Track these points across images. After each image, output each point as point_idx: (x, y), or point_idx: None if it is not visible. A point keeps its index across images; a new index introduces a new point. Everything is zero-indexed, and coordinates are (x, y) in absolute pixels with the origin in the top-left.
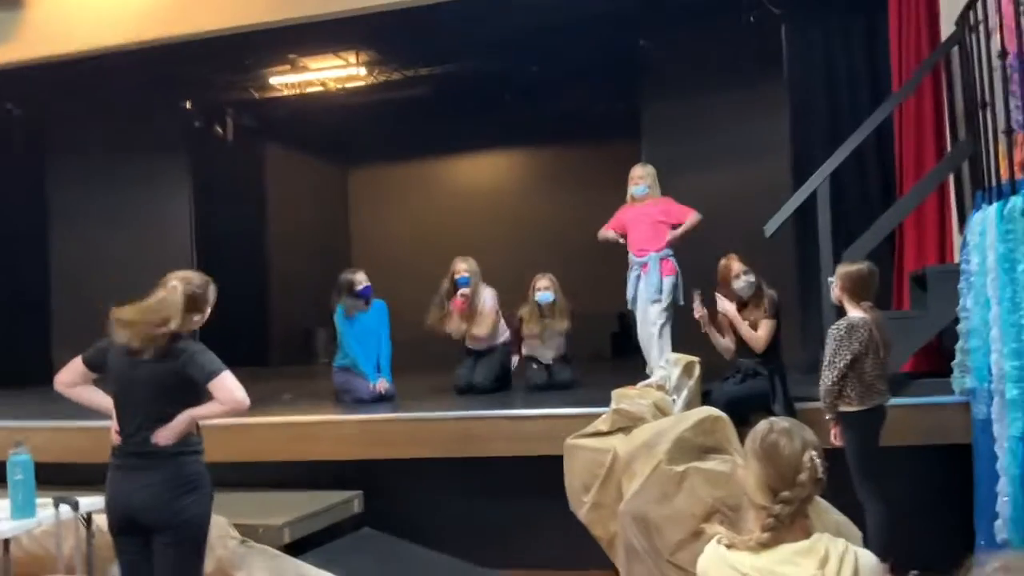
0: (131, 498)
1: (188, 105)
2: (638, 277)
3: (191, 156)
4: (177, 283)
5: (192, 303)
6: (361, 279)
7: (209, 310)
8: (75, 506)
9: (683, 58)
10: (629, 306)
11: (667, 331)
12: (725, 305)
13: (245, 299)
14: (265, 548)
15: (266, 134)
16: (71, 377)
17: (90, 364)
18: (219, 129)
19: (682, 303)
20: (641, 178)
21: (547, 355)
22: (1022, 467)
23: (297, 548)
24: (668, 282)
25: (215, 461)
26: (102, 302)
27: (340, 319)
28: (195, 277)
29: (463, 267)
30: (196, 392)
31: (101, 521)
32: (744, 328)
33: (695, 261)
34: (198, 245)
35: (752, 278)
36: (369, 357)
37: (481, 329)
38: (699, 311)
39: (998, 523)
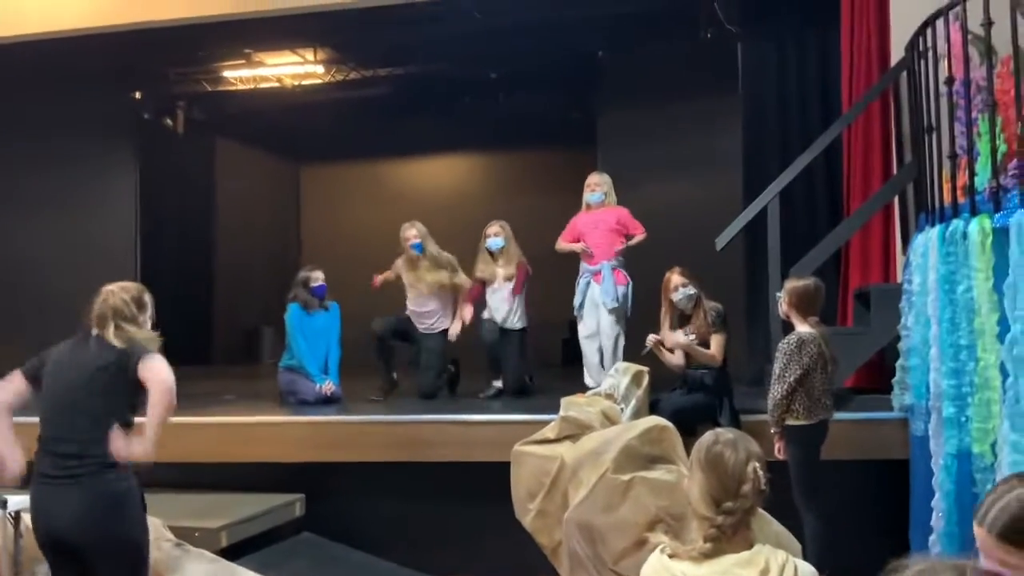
0: (55, 518)
1: (138, 95)
2: (588, 284)
3: (139, 147)
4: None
5: (119, 314)
6: (318, 276)
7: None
8: (3, 504)
9: (640, 70)
10: (575, 312)
11: (621, 341)
12: (679, 340)
13: (189, 296)
14: (202, 552)
15: (217, 128)
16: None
17: (28, 375)
18: (169, 121)
19: (628, 315)
20: (598, 185)
21: (501, 309)
22: (956, 483)
23: (235, 552)
24: (621, 291)
25: (153, 461)
26: (36, 289)
27: (291, 317)
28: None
29: (412, 232)
30: (129, 389)
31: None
32: (701, 352)
33: (644, 272)
34: (142, 238)
35: (691, 291)
36: (317, 358)
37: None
38: (651, 341)
39: (932, 537)
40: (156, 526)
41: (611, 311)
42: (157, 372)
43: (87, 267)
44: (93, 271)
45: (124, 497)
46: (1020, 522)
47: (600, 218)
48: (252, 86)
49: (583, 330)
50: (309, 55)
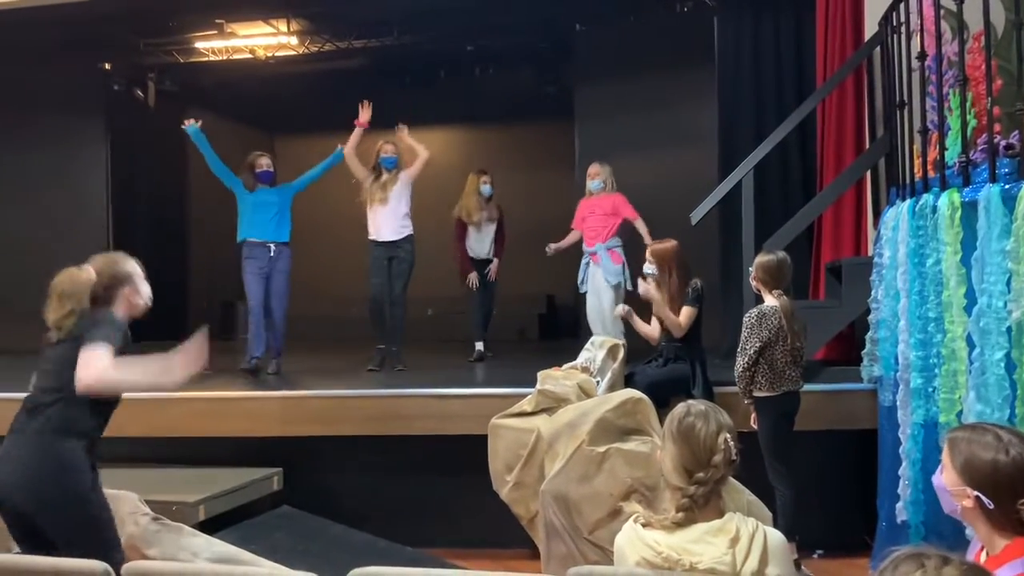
0: None
1: (107, 67)
2: (587, 265)
3: (109, 120)
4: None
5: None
6: (263, 162)
7: (125, 289)
8: None
9: (617, 44)
10: (580, 289)
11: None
12: (652, 292)
13: (164, 270)
14: (180, 525)
15: (190, 100)
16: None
17: None
18: (140, 93)
19: (631, 289)
20: (597, 174)
21: (484, 246)
22: (923, 452)
23: (213, 526)
24: (618, 269)
25: (130, 435)
26: (6, 263)
27: (240, 189)
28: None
29: (390, 148)
30: None
31: None
32: (666, 312)
33: (623, 246)
34: (114, 212)
35: (650, 269)
36: (264, 233)
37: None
38: (622, 310)
39: (899, 505)
40: (132, 500)
41: (613, 287)
42: (86, 365)
43: (59, 240)
44: (65, 245)
45: (69, 459)
46: None
47: (598, 204)
48: (224, 57)
49: (588, 309)
50: (283, 26)
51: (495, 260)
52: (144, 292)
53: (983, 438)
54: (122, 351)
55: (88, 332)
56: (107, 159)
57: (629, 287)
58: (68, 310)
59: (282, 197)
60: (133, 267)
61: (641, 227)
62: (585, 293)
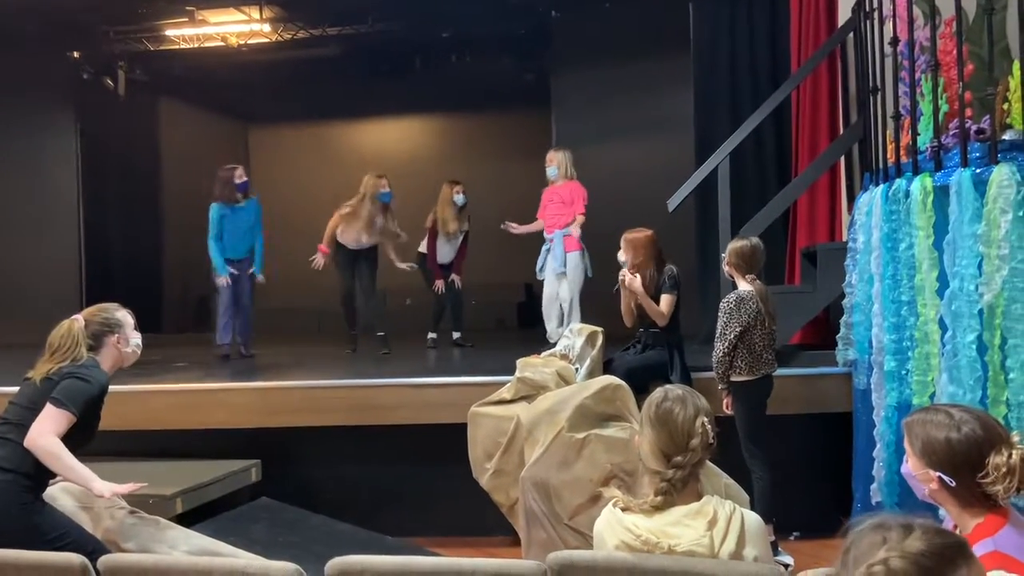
0: None
1: (76, 55)
2: (547, 252)
3: (79, 110)
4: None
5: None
6: (241, 173)
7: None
8: None
9: (594, 31)
10: (537, 275)
11: (576, 303)
12: (635, 283)
13: (137, 262)
14: (156, 519)
15: (161, 89)
16: None
17: None
18: (110, 82)
19: (590, 275)
20: (551, 160)
21: (453, 252)
22: (897, 434)
23: (191, 519)
24: (573, 257)
25: (106, 429)
26: None
27: (215, 212)
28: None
29: (384, 182)
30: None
31: None
32: (649, 303)
33: (599, 233)
34: (85, 204)
35: (620, 258)
36: (239, 250)
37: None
38: (629, 279)
39: (873, 487)
40: None
41: (558, 275)
42: (40, 427)
43: (28, 232)
44: (35, 237)
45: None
46: None
47: (556, 192)
48: (196, 45)
49: (544, 295)
50: (255, 13)
51: (455, 276)
52: (133, 342)
53: (935, 418)
54: (96, 402)
55: (62, 386)
56: (77, 149)
57: (590, 273)
58: (57, 366)
59: (257, 211)
60: (124, 316)
61: (575, 227)
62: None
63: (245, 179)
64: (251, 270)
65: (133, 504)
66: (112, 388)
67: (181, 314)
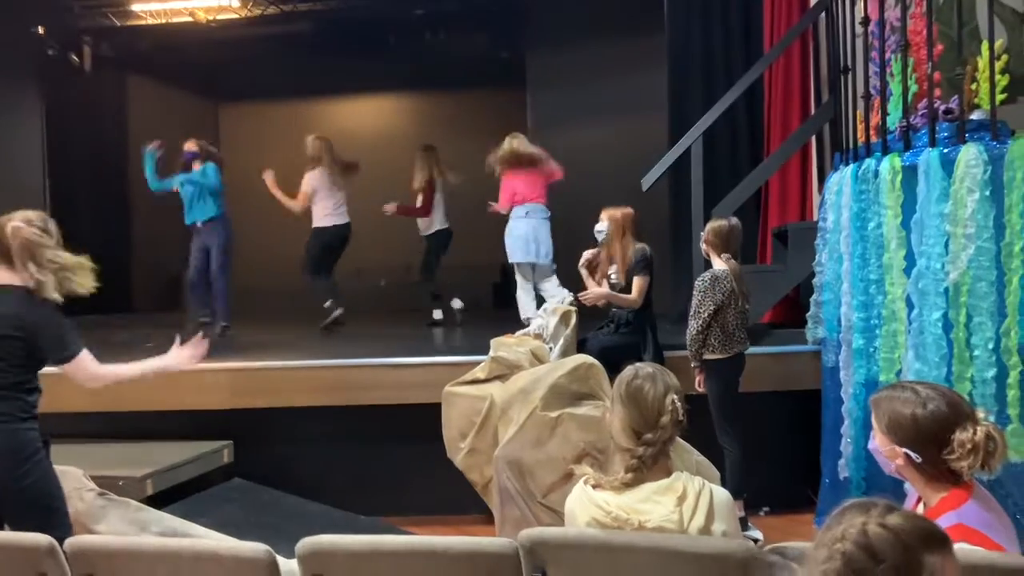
0: None
1: (41, 30)
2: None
3: (43, 86)
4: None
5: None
6: (187, 145)
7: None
8: None
9: (569, 9)
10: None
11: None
12: (598, 292)
13: (106, 242)
14: (127, 500)
15: (128, 65)
16: None
17: None
18: (75, 58)
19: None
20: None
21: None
22: (864, 410)
23: (163, 500)
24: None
25: (75, 411)
26: None
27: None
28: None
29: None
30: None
31: None
32: (618, 298)
33: (574, 212)
34: (51, 182)
35: (599, 228)
36: (193, 215)
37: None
38: (594, 294)
39: (841, 462)
40: (76, 476)
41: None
42: (85, 373)
43: None
44: None
45: (30, 447)
46: None
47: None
48: (164, 21)
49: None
50: None
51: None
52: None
53: (902, 395)
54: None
55: (50, 340)
56: (42, 128)
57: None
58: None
59: (199, 179)
60: None
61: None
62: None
63: (193, 149)
64: (212, 240)
65: (102, 486)
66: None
67: (151, 293)
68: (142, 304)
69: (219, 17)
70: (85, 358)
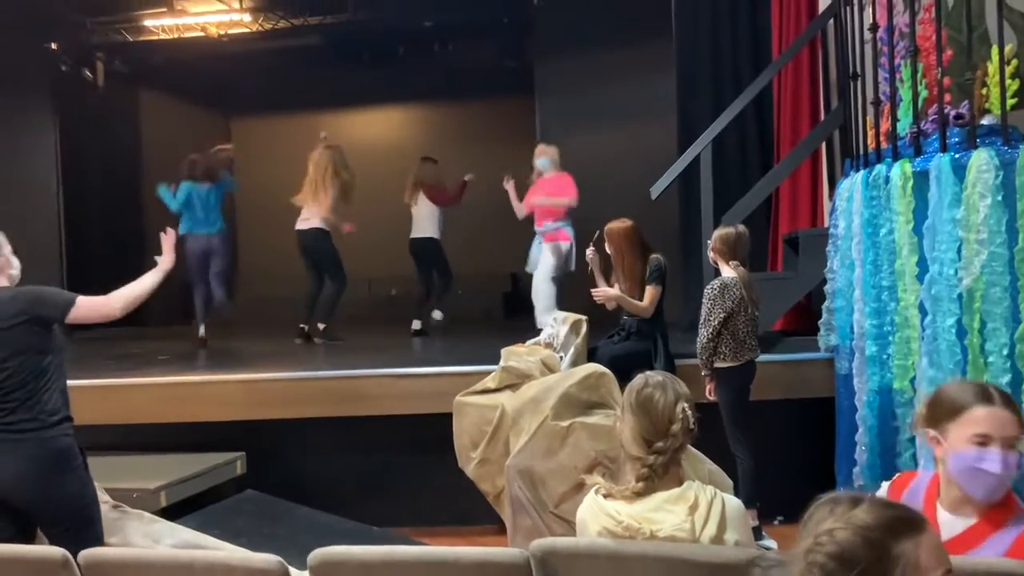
0: None
1: (54, 47)
2: (539, 244)
3: (57, 101)
4: None
5: None
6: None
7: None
8: None
9: (577, 18)
10: (527, 268)
11: (544, 287)
12: (609, 293)
13: (119, 255)
14: (140, 512)
15: (140, 80)
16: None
17: None
18: (88, 73)
19: (573, 269)
20: (542, 153)
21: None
22: (878, 418)
23: (176, 512)
24: (563, 247)
25: (89, 423)
26: None
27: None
28: None
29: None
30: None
31: None
32: (629, 303)
33: (583, 220)
34: (66, 196)
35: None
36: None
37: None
38: (602, 295)
39: (856, 470)
40: None
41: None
42: (95, 307)
43: (8, 226)
44: (15, 231)
45: (68, 452)
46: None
47: (543, 185)
48: (176, 36)
49: (535, 287)
50: (235, 2)
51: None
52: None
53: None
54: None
55: (47, 298)
56: (56, 142)
57: (572, 268)
58: None
59: (208, 194)
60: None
61: (560, 200)
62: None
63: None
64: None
65: (117, 498)
66: (95, 382)
67: (164, 306)
68: (155, 316)
69: (230, 31)
70: (85, 298)
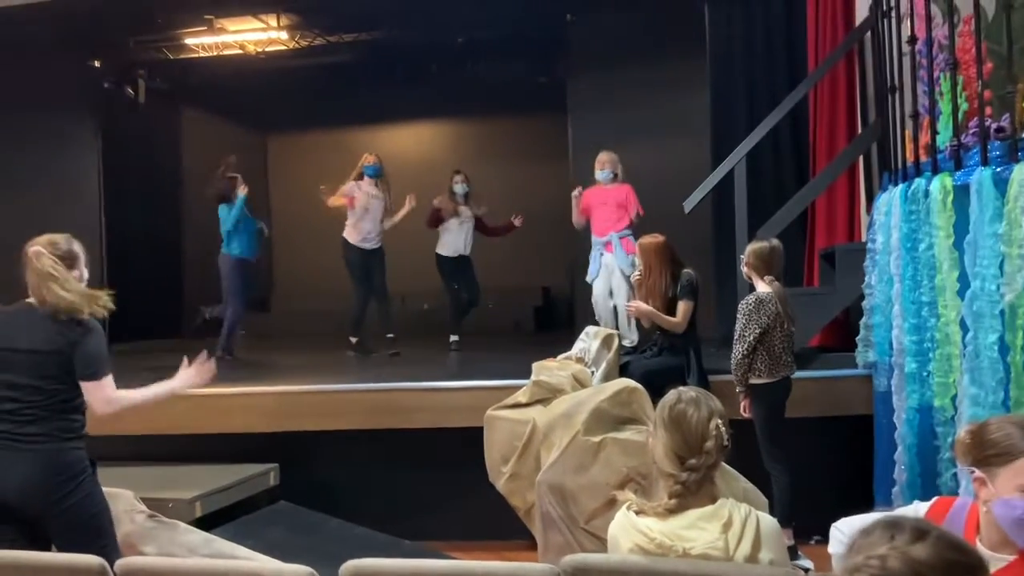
0: (3, 486)
1: (97, 64)
2: (600, 254)
3: (100, 118)
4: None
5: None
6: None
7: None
8: None
9: (609, 34)
10: (588, 279)
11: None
12: (642, 308)
13: (157, 269)
14: (175, 522)
15: (181, 97)
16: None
17: None
18: (130, 90)
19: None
20: (606, 163)
21: (460, 242)
22: (918, 436)
23: (210, 522)
24: (631, 259)
25: (125, 434)
26: None
27: (222, 210)
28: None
29: (372, 158)
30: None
31: None
32: (662, 319)
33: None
34: (107, 211)
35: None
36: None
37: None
38: (634, 307)
39: (895, 490)
40: (128, 498)
41: (626, 277)
42: (101, 396)
43: None
44: None
45: (77, 466)
46: None
47: (608, 194)
48: (215, 53)
49: (596, 298)
50: (272, 20)
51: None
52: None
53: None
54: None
55: (84, 356)
56: (99, 159)
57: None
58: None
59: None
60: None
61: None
62: (592, 283)
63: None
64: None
65: (153, 508)
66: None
67: (202, 321)
68: (191, 330)
69: (268, 49)
70: (108, 381)
